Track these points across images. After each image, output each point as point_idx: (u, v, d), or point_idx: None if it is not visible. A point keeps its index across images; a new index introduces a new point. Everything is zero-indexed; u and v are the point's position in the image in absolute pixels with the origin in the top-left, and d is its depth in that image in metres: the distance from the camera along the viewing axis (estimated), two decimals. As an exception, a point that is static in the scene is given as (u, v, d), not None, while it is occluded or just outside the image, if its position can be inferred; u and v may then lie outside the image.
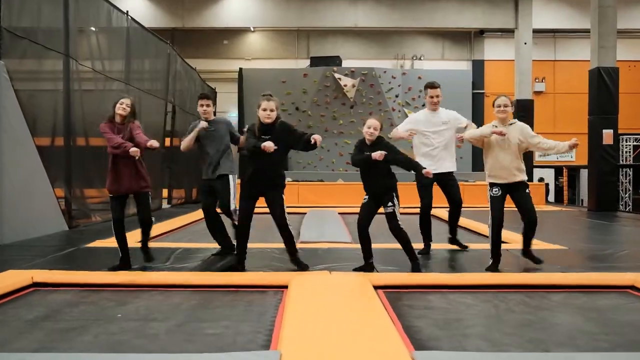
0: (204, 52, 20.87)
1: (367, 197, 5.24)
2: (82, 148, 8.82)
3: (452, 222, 6.67)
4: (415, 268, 5.15)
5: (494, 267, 5.32)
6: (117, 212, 5.26)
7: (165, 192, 13.38)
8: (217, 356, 2.80)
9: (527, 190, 5.40)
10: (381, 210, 5.20)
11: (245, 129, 5.22)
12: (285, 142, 5.10)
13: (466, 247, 6.59)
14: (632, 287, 4.70)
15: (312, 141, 4.93)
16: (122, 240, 5.27)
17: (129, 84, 10.69)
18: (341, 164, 18.01)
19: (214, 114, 6.45)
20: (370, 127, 5.12)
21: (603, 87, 13.21)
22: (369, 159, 5.00)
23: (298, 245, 6.86)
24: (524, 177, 5.39)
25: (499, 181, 5.33)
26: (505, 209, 5.39)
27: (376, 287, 4.43)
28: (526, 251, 5.64)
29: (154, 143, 5.08)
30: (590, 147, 13.54)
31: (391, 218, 5.13)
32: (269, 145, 4.82)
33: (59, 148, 8.15)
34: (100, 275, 4.75)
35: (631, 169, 21.21)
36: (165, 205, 13.16)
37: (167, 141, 13.50)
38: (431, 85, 6.46)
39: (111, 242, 6.77)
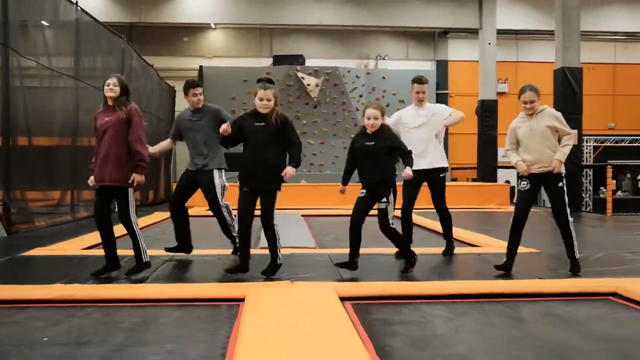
0: (163, 49, 20.15)
1: (364, 190, 4.92)
2: (24, 148, 8.17)
3: (444, 230, 6.23)
4: (407, 267, 4.98)
5: (505, 267, 5.08)
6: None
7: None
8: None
9: (559, 184, 5.05)
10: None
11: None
12: (282, 135, 4.70)
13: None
14: (615, 294, 4.41)
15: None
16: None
17: (78, 80, 10.05)
18: (304, 165, 17.56)
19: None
20: (370, 118, 4.84)
21: (568, 87, 13.11)
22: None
23: (257, 251, 6.44)
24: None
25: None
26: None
27: (343, 299, 4.02)
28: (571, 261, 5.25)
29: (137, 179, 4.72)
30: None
31: (382, 215, 4.84)
32: (223, 128, 4.59)
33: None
34: (30, 289, 4.20)
35: (591, 170, 21.38)
36: (119, 208, 12.47)
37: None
38: (419, 80, 6.06)
39: (52, 251, 6.22)
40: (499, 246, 6.76)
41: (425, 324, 3.60)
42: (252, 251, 6.38)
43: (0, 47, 7.53)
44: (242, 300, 3.99)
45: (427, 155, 6.01)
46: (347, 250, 5.97)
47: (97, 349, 3.04)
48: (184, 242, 5.83)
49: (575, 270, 5.16)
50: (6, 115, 7.59)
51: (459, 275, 5.20)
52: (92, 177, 4.85)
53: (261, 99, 4.61)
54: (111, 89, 4.70)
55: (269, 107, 4.62)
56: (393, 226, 4.92)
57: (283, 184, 4.79)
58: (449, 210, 6.32)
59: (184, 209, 5.81)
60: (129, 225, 4.76)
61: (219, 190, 5.63)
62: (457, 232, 7.82)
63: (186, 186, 5.78)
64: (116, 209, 4.80)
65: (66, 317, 3.66)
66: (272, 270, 4.80)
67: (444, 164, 6.13)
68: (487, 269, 5.42)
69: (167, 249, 5.84)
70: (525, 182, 5.11)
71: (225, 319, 3.67)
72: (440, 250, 6.30)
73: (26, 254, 6.01)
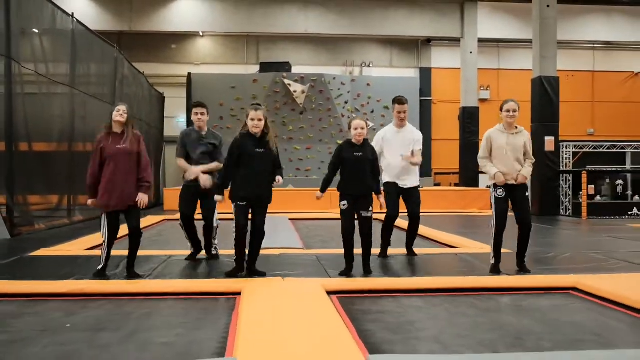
0: (152, 56, 20.49)
1: (345, 202, 5.25)
2: (25, 153, 8.54)
3: (410, 234, 6.65)
4: (366, 274, 5.28)
5: (495, 268, 5.55)
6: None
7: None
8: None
9: (526, 194, 5.61)
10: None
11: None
12: (273, 159, 5.16)
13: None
14: (574, 289, 4.90)
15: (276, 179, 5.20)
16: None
17: (74, 88, 10.42)
18: (291, 170, 18.01)
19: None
20: (358, 128, 5.26)
21: (545, 95, 13.70)
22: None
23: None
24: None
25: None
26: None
27: (329, 293, 4.46)
28: (518, 259, 5.71)
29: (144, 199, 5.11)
30: (532, 154, 13.98)
31: (368, 222, 5.28)
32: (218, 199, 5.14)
33: (1, 153, 7.86)
34: (46, 284, 4.60)
35: (571, 175, 22.01)
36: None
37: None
38: (399, 101, 6.46)
39: (57, 251, 6.61)
40: (475, 247, 7.27)
41: (401, 313, 4.07)
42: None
43: (4, 58, 7.89)
44: (239, 294, 4.42)
45: (408, 176, 6.45)
46: (333, 251, 6.51)
47: (114, 334, 3.47)
48: (198, 246, 6.21)
49: (525, 270, 5.62)
50: (9, 122, 7.97)
51: (437, 272, 5.65)
52: (92, 200, 5.14)
53: (253, 119, 5.04)
54: (121, 114, 5.06)
55: (260, 126, 5.06)
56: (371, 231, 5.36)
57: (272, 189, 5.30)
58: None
59: (193, 222, 6.15)
60: (139, 237, 5.17)
61: (217, 205, 5.95)
62: (437, 234, 8.36)
63: (191, 201, 6.09)
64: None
65: (81, 309, 4.07)
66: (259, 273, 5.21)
67: (417, 183, 6.56)
68: (463, 267, 5.90)
69: (186, 259, 6.16)
70: (502, 190, 5.58)
71: (225, 310, 4.10)
72: (418, 250, 6.75)
73: (33, 254, 6.39)
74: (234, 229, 5.06)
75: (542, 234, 9.72)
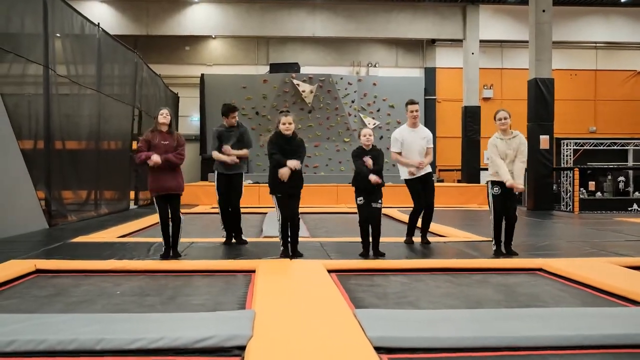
0: (166, 57, 21.44)
1: (362, 198, 6.15)
2: (59, 152, 9.46)
3: (424, 223, 7.39)
4: (377, 256, 6.14)
5: (497, 252, 6.41)
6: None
7: (132, 194, 14.03)
8: (205, 314, 3.64)
9: (515, 192, 6.43)
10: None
11: (267, 141, 6.08)
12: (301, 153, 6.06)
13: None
14: (541, 270, 5.73)
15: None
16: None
17: (100, 92, 11.33)
18: (300, 167, 18.82)
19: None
20: (366, 135, 6.21)
21: (540, 96, 14.47)
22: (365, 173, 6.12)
23: (261, 239, 7.76)
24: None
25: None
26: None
27: (330, 271, 5.33)
28: (506, 245, 6.51)
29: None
30: (528, 151, 14.75)
31: (379, 213, 6.18)
32: (296, 164, 5.87)
33: (40, 151, 8.77)
34: (94, 263, 5.52)
35: (571, 172, 22.65)
36: (132, 206, 13.79)
37: (134, 144, 14.12)
38: (411, 102, 7.27)
39: (94, 238, 7.53)
40: (463, 237, 8.11)
41: (388, 286, 4.93)
42: (258, 239, 7.77)
43: (43, 67, 8.82)
44: (254, 271, 5.30)
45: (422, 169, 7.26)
46: (334, 239, 7.38)
47: (157, 298, 4.36)
48: (231, 231, 7.15)
49: (512, 253, 6.45)
50: (47, 124, 8.89)
51: (425, 256, 6.50)
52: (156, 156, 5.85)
53: (284, 124, 5.96)
54: (164, 117, 5.90)
55: (291, 129, 5.98)
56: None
57: None
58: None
59: (228, 211, 7.14)
60: (179, 221, 6.01)
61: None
62: (432, 226, 9.17)
63: (226, 188, 7.10)
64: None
65: (126, 281, 4.98)
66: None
67: (430, 169, 7.40)
68: (447, 252, 6.74)
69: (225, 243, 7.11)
70: (498, 188, 6.43)
71: (243, 283, 4.98)
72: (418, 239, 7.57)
73: (74, 240, 7.31)
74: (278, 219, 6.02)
75: (531, 226, 10.53)
